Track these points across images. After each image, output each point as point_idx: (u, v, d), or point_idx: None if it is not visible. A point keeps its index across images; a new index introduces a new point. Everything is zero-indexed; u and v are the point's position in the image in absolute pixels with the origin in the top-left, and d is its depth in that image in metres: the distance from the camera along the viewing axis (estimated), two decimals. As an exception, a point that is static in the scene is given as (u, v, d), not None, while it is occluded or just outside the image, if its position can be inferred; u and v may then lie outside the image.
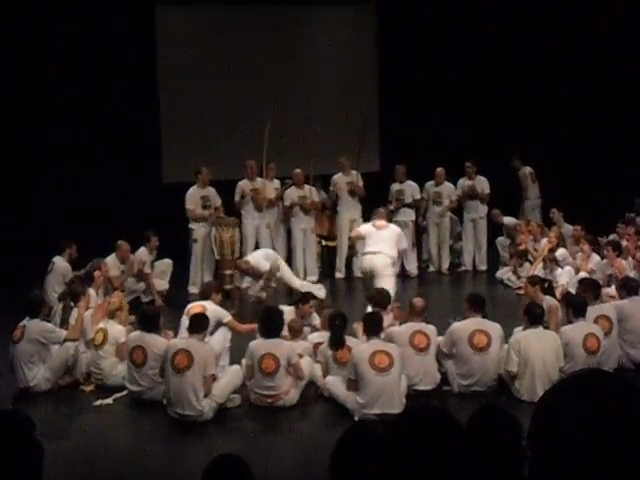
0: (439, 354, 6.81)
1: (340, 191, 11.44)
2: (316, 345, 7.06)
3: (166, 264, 10.54)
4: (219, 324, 7.30)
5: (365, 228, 9.10)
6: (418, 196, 11.69)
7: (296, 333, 7.17)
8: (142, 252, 10.16)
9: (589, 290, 7.40)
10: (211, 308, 7.33)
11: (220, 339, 7.19)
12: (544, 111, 13.35)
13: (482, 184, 11.82)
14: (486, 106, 13.27)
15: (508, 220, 11.72)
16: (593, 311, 7.08)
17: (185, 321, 7.20)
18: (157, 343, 6.71)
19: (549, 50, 13.32)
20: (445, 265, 11.91)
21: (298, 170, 11.22)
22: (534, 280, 7.95)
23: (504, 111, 13.24)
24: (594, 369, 1.44)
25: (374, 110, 13.78)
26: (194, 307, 7.42)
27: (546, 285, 8.79)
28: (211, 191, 10.94)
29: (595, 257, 9.90)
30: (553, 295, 8.58)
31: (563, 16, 13.20)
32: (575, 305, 6.96)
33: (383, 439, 1.79)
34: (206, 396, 6.25)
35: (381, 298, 7.45)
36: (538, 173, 12.46)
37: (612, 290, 8.22)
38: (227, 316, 7.44)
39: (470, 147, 12.14)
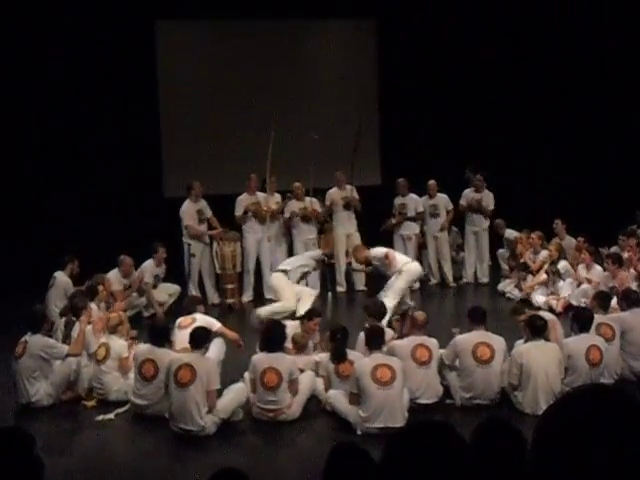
0: (441, 366, 6.80)
1: (335, 206, 11.46)
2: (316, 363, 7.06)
3: (174, 289, 10.53)
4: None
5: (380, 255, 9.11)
6: (421, 209, 11.70)
7: (300, 347, 7.16)
8: (149, 264, 10.19)
9: (600, 301, 7.46)
10: (200, 318, 7.43)
11: (216, 351, 7.19)
12: (547, 123, 13.38)
13: (488, 199, 11.82)
14: (487, 118, 13.32)
15: (509, 233, 11.72)
16: (597, 318, 7.08)
17: (178, 334, 7.21)
18: (169, 357, 6.68)
19: (549, 62, 13.36)
20: (450, 277, 11.88)
21: (298, 183, 11.24)
22: (517, 310, 7.75)
23: (506, 123, 13.28)
24: (596, 384, 1.45)
25: (374, 123, 13.85)
26: (184, 320, 7.48)
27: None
28: (204, 204, 10.97)
29: (597, 268, 9.91)
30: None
31: (558, 28, 13.25)
32: (580, 319, 6.93)
33: (381, 455, 1.78)
34: (210, 411, 6.23)
35: (377, 309, 7.43)
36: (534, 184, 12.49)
37: (614, 302, 8.20)
38: (216, 324, 7.47)
39: (471, 160, 12.17)
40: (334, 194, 11.50)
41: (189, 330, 6.94)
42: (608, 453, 1.21)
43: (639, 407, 1.27)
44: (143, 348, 6.93)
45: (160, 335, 6.89)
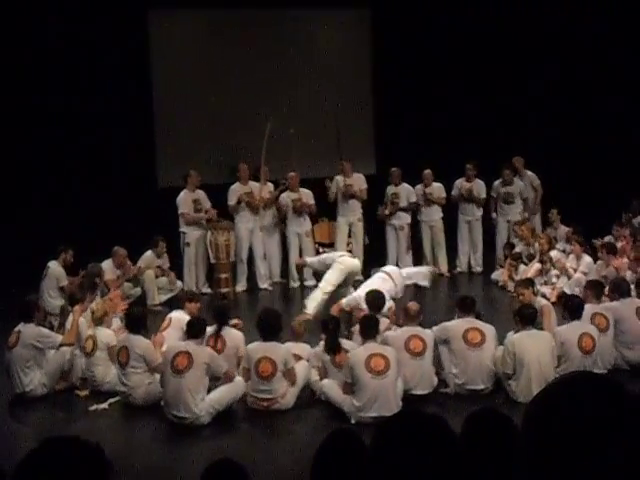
0: (438, 355, 6.82)
1: (339, 193, 11.46)
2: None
3: (176, 286, 10.58)
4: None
5: None
6: (414, 199, 11.67)
7: (298, 336, 7.18)
8: (147, 255, 10.20)
9: (592, 289, 7.47)
10: (175, 317, 7.56)
11: None
12: (543, 113, 13.36)
13: (479, 188, 11.81)
14: (482, 108, 13.30)
15: (532, 176, 11.83)
16: (591, 308, 7.11)
17: (159, 336, 7.30)
18: (140, 344, 6.75)
19: (546, 51, 13.33)
20: (445, 266, 11.86)
21: (293, 173, 11.21)
22: (527, 283, 7.92)
23: (502, 112, 13.27)
24: (582, 372, 1.46)
25: (368, 112, 13.85)
26: (162, 324, 7.61)
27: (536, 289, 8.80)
28: (201, 194, 10.98)
29: (586, 259, 9.89)
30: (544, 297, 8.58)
31: (558, 19, 13.22)
32: (570, 306, 6.97)
33: (371, 444, 1.77)
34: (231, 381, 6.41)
35: (374, 301, 7.44)
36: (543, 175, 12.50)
37: (606, 291, 8.22)
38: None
39: (467, 149, 12.15)
40: (338, 182, 11.46)
41: (169, 330, 7.34)
42: (594, 439, 1.22)
43: (624, 393, 1.28)
44: (122, 336, 7.04)
45: (136, 322, 6.96)
